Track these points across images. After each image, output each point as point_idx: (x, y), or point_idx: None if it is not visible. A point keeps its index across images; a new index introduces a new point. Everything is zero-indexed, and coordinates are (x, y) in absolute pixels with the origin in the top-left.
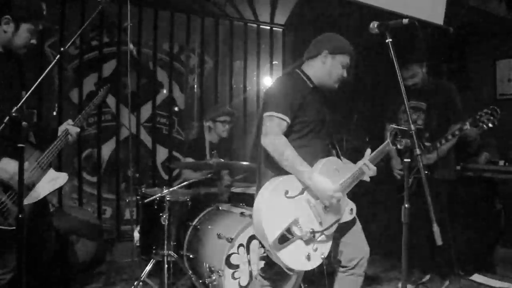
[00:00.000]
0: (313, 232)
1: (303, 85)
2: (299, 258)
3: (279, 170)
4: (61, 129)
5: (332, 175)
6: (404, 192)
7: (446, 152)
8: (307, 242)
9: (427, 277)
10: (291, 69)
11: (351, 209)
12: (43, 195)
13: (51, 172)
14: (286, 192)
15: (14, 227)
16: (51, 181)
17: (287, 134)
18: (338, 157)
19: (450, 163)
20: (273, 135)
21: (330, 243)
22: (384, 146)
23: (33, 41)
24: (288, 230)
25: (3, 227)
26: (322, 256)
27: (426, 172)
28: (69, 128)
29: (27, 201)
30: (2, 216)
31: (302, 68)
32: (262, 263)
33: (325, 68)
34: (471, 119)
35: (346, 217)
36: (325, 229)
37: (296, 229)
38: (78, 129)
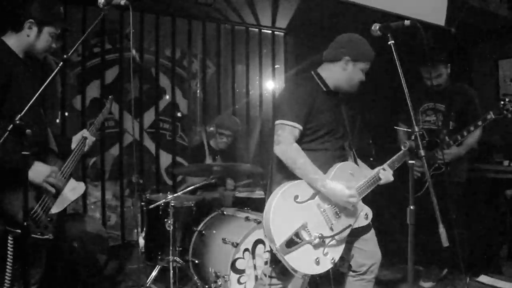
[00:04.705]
0: (322, 237)
1: (315, 88)
2: (308, 262)
3: (290, 175)
4: (77, 137)
5: (347, 180)
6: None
7: (470, 147)
8: (316, 246)
9: (445, 271)
10: (305, 71)
11: (366, 214)
12: (67, 203)
13: (72, 182)
14: (296, 197)
15: (46, 236)
16: (73, 190)
17: (300, 137)
18: (355, 161)
19: (463, 165)
20: (286, 144)
21: (341, 248)
22: (402, 153)
23: (54, 45)
24: (297, 234)
25: (36, 236)
26: (332, 261)
27: (443, 168)
28: (87, 136)
29: (56, 209)
30: (35, 224)
31: (318, 70)
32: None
33: (346, 74)
34: (494, 108)
35: (361, 222)
36: (336, 234)
37: (305, 233)
38: (94, 138)
